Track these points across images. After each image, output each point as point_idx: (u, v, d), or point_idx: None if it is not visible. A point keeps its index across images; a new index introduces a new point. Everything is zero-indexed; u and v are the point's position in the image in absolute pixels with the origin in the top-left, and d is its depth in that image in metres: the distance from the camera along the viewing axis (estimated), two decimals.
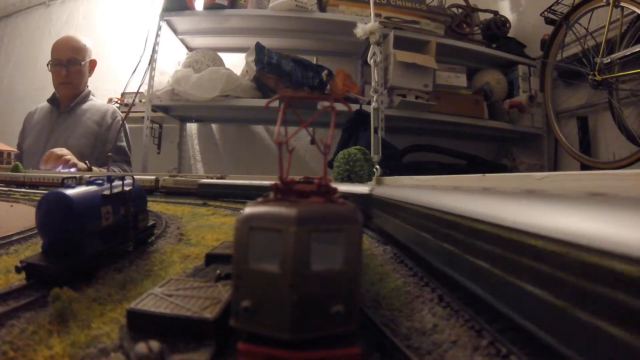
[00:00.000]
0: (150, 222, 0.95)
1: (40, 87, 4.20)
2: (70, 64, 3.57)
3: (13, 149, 3.56)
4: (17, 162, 2.98)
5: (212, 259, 0.72)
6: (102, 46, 4.50)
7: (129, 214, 0.79)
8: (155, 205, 1.66)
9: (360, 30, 2.16)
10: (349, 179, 2.07)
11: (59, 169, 2.99)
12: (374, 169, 2.07)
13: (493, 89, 3.73)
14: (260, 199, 0.45)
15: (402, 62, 3.14)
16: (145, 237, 0.91)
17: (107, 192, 0.74)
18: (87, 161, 3.22)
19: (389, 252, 0.92)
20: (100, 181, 0.76)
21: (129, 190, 0.81)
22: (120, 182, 0.80)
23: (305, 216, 0.38)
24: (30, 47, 5.05)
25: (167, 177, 2.34)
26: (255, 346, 0.35)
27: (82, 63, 3.62)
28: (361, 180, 2.08)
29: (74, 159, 3.15)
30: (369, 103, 3.15)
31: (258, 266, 0.37)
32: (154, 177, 2.40)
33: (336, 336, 0.37)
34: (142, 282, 0.64)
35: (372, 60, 2.22)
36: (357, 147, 2.06)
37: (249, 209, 0.40)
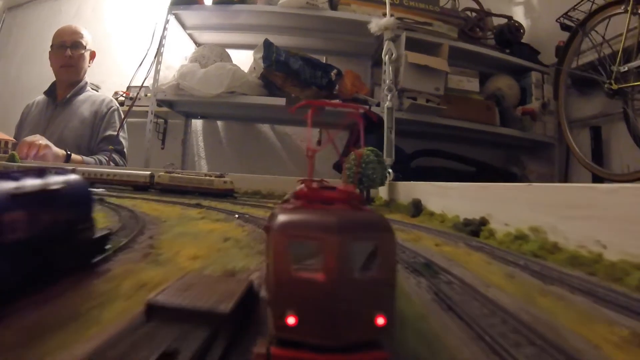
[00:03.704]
0: (101, 233, 0.71)
1: (47, 79, 4.07)
2: (74, 47, 3.47)
3: (12, 138, 3.45)
4: (13, 152, 2.86)
5: (155, 311, 0.48)
6: (110, 39, 4.41)
7: (58, 222, 0.56)
8: (143, 205, 1.52)
9: (375, 25, 2.03)
10: (360, 182, 1.93)
11: (32, 156, 2.87)
12: (387, 173, 1.94)
13: (505, 95, 3.58)
14: (285, 205, 0.45)
15: (414, 64, 2.99)
16: (88, 255, 0.66)
17: (18, 191, 0.49)
18: (67, 149, 3.09)
19: (425, 287, 0.64)
20: (16, 174, 0.50)
21: (60, 188, 0.57)
22: (55, 178, 0.55)
23: (346, 225, 0.37)
24: (39, 39, 4.92)
25: (163, 174, 2.20)
26: (288, 350, 0.36)
27: (86, 46, 3.51)
28: (373, 184, 1.93)
29: (50, 145, 3.01)
30: (378, 105, 3.01)
31: (300, 275, 0.36)
32: (148, 172, 2.27)
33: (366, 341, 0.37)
34: (59, 330, 0.42)
35: (386, 56, 2.08)
36: (369, 148, 1.92)
37: (283, 217, 0.40)
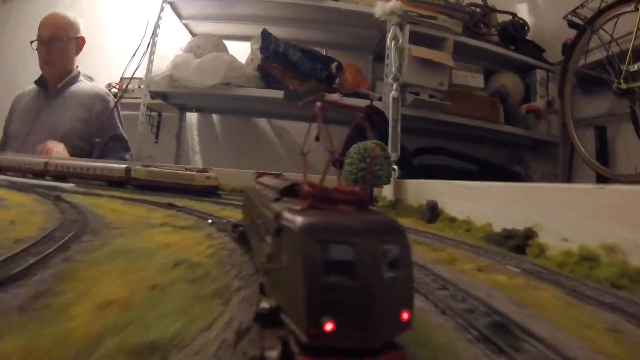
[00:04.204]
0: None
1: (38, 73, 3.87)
2: (52, 41, 3.25)
3: None
4: None
5: None
6: (105, 30, 4.20)
7: None
8: (105, 204, 1.35)
9: (380, 9, 1.84)
10: (363, 180, 1.72)
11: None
12: (392, 170, 1.74)
13: (510, 92, 3.40)
14: (293, 207, 0.43)
15: (417, 58, 2.81)
16: None
17: None
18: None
19: (453, 326, 0.49)
20: None
21: None
22: None
23: (373, 228, 0.38)
24: (35, 30, 4.70)
25: (139, 168, 1.98)
26: (316, 358, 0.35)
27: (65, 39, 3.28)
28: (379, 182, 1.73)
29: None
30: (380, 99, 2.82)
31: (332, 280, 0.35)
32: (124, 166, 2.06)
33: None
34: None
35: (392, 42, 1.88)
36: (373, 141, 1.72)
37: (304, 219, 0.38)
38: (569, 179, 3.51)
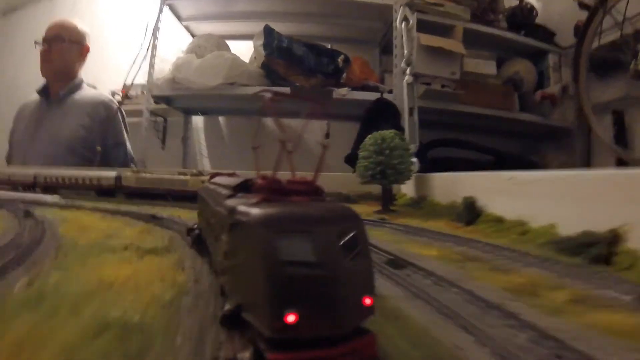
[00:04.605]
0: None
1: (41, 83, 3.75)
2: (53, 40, 3.14)
3: None
4: None
5: None
6: (105, 36, 4.06)
7: None
8: (80, 218, 1.24)
9: None
10: (382, 176, 1.53)
11: None
12: (412, 163, 1.56)
13: (523, 79, 3.21)
14: (247, 201, 0.42)
15: (427, 47, 2.64)
16: None
17: None
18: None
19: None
20: None
21: None
22: None
23: (328, 216, 0.37)
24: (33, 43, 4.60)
25: (129, 174, 1.84)
26: (286, 353, 0.33)
27: (67, 40, 3.17)
28: (400, 177, 1.55)
29: None
30: (390, 92, 2.64)
31: (291, 271, 0.33)
32: (113, 174, 1.92)
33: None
34: None
35: (401, 24, 1.72)
36: (391, 130, 1.55)
37: (259, 211, 0.37)
38: (587, 165, 3.33)
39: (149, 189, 1.73)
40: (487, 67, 3.07)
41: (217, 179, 0.83)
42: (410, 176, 1.61)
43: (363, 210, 1.62)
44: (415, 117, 2.00)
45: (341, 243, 0.36)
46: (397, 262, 0.77)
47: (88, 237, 0.95)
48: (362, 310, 0.37)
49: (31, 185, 2.45)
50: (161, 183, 1.71)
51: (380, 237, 1.01)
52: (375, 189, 1.75)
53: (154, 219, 1.28)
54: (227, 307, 0.42)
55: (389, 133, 1.54)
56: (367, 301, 0.37)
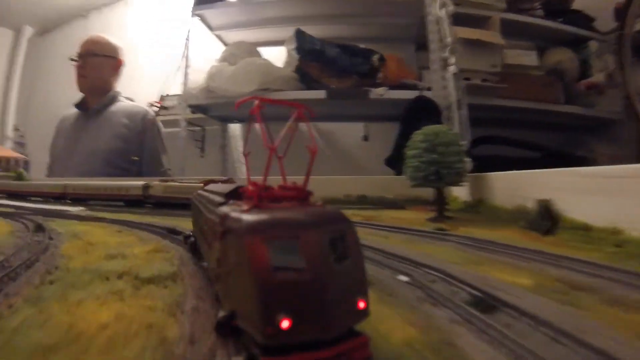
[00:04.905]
0: None
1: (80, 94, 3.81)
2: (87, 56, 3.19)
3: (20, 155, 3.21)
4: (21, 170, 2.58)
5: None
6: (138, 50, 4.12)
7: None
8: (91, 233, 1.20)
9: None
10: (436, 177, 1.38)
11: None
12: (465, 161, 1.43)
13: (566, 69, 3.01)
14: (238, 208, 0.42)
15: (464, 40, 2.49)
16: None
17: None
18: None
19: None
20: None
21: None
22: None
23: (318, 220, 0.37)
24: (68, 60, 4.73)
25: (157, 183, 1.80)
26: (280, 358, 0.33)
27: (100, 55, 3.22)
28: (456, 179, 1.41)
29: None
30: (429, 89, 2.52)
31: (282, 276, 0.34)
32: (141, 183, 1.88)
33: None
34: None
35: (442, 10, 1.63)
36: (442, 125, 1.42)
37: (248, 217, 0.37)
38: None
39: (177, 198, 1.69)
40: (528, 58, 2.90)
41: (209, 186, 0.82)
42: (466, 176, 1.47)
43: (414, 217, 1.49)
44: (465, 110, 1.86)
45: (330, 247, 0.36)
46: (485, 302, 0.58)
47: (88, 258, 0.87)
48: (355, 313, 0.37)
49: (61, 196, 2.47)
50: (188, 192, 1.66)
51: (447, 257, 0.84)
52: (425, 191, 1.62)
53: (171, 233, 1.21)
54: (221, 313, 0.42)
55: (440, 127, 1.41)
56: (361, 304, 0.37)
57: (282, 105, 0.66)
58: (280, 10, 2.95)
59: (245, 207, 0.41)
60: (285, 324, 0.33)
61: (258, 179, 0.46)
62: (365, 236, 1.08)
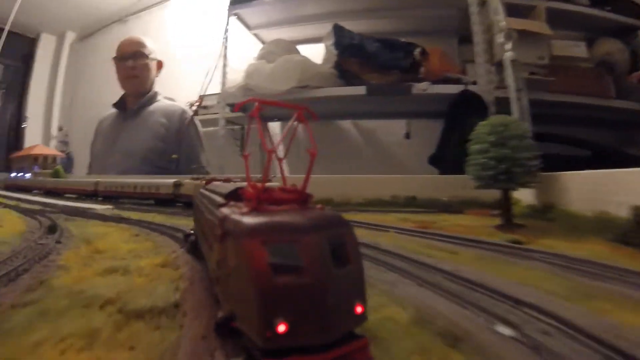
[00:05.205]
0: None
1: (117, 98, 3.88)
2: (137, 57, 3.24)
3: (58, 152, 3.28)
4: (57, 167, 2.62)
5: None
6: (177, 51, 4.18)
7: None
8: (104, 236, 1.16)
9: None
10: (507, 177, 1.20)
11: None
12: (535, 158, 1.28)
13: (617, 61, 2.82)
14: (237, 210, 0.42)
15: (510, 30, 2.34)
16: None
17: None
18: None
19: None
20: None
21: None
22: None
23: (317, 224, 0.37)
24: (110, 63, 4.84)
25: (188, 181, 1.77)
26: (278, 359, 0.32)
27: (149, 55, 3.26)
28: (529, 179, 1.24)
29: None
30: (474, 83, 2.40)
31: (281, 281, 0.33)
32: (172, 181, 1.85)
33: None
34: None
35: None
36: (506, 115, 1.30)
37: (248, 220, 0.37)
38: None
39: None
40: (577, 49, 2.72)
41: (211, 185, 0.80)
42: (538, 176, 1.28)
43: (477, 224, 1.29)
44: (526, 100, 1.73)
45: (329, 251, 0.36)
46: None
47: (84, 272, 0.79)
48: (354, 317, 0.37)
49: (93, 194, 2.49)
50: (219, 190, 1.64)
51: (545, 286, 0.66)
52: (482, 193, 1.41)
53: (187, 237, 1.06)
54: (220, 314, 0.42)
55: (507, 117, 1.27)
56: (359, 309, 0.37)
57: (283, 107, 0.64)
58: (317, 7, 2.89)
59: (244, 209, 0.42)
60: (281, 328, 0.33)
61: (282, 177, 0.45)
62: (426, 250, 0.95)
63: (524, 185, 1.26)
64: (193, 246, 0.84)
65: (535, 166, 1.25)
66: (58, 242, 1.11)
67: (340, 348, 0.35)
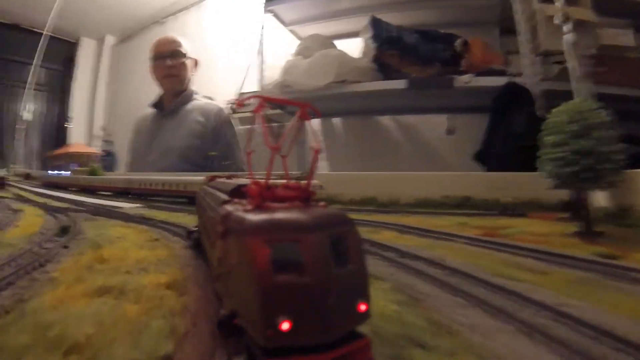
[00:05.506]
0: None
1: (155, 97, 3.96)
2: (174, 56, 3.31)
3: (95, 151, 3.35)
4: (94, 166, 2.70)
5: None
6: (214, 50, 4.21)
7: None
8: (126, 240, 1.13)
9: None
10: (592, 174, 1.04)
11: None
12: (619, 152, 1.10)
13: None
14: (240, 207, 0.42)
15: (551, 18, 2.24)
16: None
17: None
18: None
19: None
20: None
21: None
22: None
23: (320, 222, 0.38)
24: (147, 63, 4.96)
25: (221, 180, 1.78)
26: (280, 359, 0.33)
27: (186, 54, 3.33)
28: (615, 176, 1.07)
29: None
30: (519, 74, 2.31)
31: (283, 279, 0.34)
32: (201, 179, 1.86)
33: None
34: None
35: None
36: (589, 100, 1.18)
37: (251, 218, 0.37)
38: None
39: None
40: (624, 37, 2.57)
41: (214, 182, 0.79)
42: (622, 174, 1.10)
43: (548, 231, 1.13)
44: (591, 84, 1.61)
45: (332, 249, 0.36)
46: None
47: (72, 291, 0.72)
48: (356, 316, 0.38)
49: (125, 191, 2.53)
50: None
51: None
52: (545, 193, 1.24)
53: (191, 233, 1.08)
54: (223, 312, 0.42)
55: (584, 102, 1.10)
56: (362, 307, 0.38)
57: (286, 104, 0.64)
58: (353, 0, 2.84)
59: (247, 206, 0.41)
60: (285, 326, 0.33)
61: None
62: (508, 270, 0.80)
63: (612, 185, 1.09)
64: (196, 243, 0.84)
65: (623, 162, 1.08)
66: (65, 246, 1.05)
67: (341, 348, 0.35)
